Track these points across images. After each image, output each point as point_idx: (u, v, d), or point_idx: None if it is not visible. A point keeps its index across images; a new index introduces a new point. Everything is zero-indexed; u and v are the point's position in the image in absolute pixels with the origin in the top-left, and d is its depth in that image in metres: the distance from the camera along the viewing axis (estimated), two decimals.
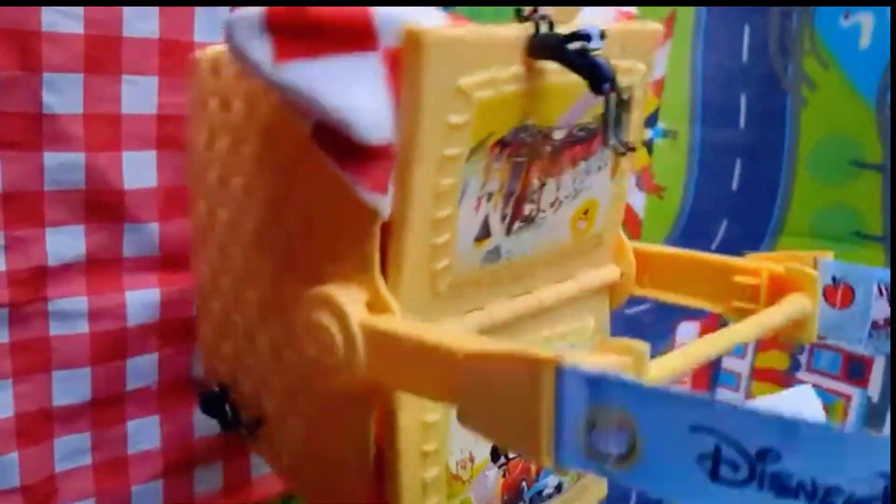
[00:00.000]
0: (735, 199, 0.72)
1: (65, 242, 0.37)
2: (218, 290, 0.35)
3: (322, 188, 0.28)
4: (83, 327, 0.39)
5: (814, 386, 0.71)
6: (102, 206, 0.38)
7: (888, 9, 0.61)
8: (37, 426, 0.39)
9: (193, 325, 0.43)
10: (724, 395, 0.77)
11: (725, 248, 0.74)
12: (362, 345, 0.26)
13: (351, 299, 0.26)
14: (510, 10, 0.29)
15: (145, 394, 0.42)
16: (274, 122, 0.30)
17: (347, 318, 0.26)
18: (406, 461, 0.28)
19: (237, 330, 0.34)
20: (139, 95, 0.37)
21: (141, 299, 0.40)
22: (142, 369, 0.41)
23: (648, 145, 0.68)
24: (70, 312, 0.38)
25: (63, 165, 0.36)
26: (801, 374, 0.72)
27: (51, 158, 0.36)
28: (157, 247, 0.40)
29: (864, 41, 0.62)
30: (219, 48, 0.33)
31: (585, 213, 0.34)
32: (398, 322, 0.26)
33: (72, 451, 0.40)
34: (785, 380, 0.72)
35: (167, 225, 0.40)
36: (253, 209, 0.32)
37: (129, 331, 0.40)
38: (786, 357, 0.72)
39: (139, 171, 0.38)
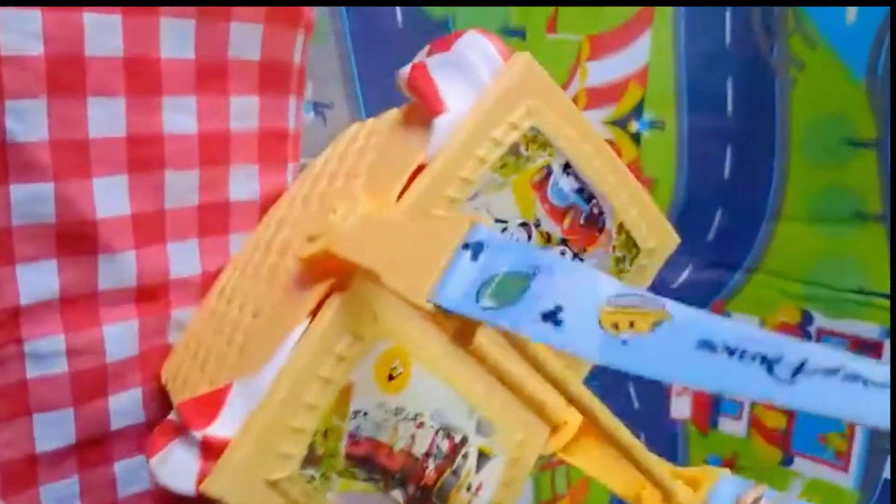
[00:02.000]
0: (728, 187, 0.73)
1: (37, 279, 0.37)
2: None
3: None
4: (62, 367, 0.38)
5: None
6: (75, 238, 0.37)
7: None
8: (21, 474, 0.38)
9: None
10: None
11: (722, 238, 0.74)
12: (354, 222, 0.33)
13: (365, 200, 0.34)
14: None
15: (131, 432, 0.41)
16: None
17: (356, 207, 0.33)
18: None
19: None
20: (106, 117, 0.37)
21: (119, 333, 0.40)
22: (125, 407, 0.41)
23: (636, 137, 0.68)
24: (47, 352, 0.38)
25: (31, 197, 0.35)
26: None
27: (18, 191, 0.35)
28: (133, 276, 0.40)
29: (851, 17, 0.63)
30: None
31: None
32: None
33: (60, 497, 0.40)
34: None
35: (143, 252, 0.40)
36: None
37: (109, 367, 0.40)
38: None
39: (111, 198, 0.38)
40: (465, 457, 0.36)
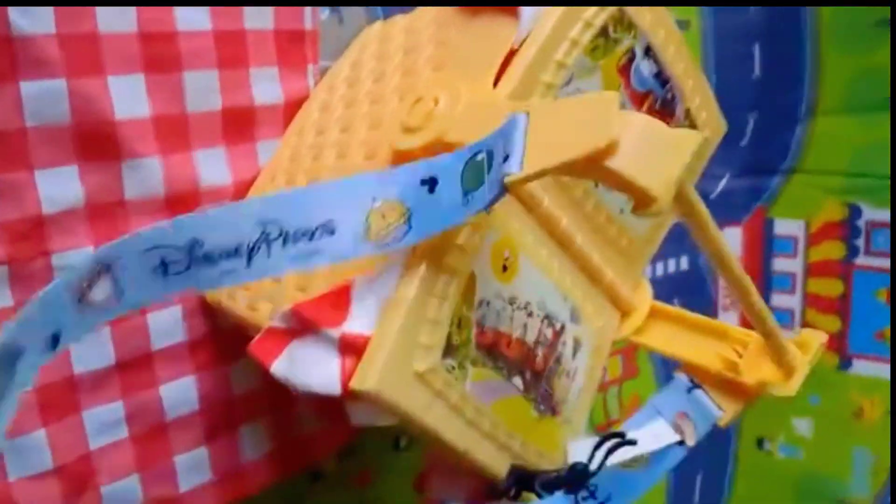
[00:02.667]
0: (760, 87, 0.70)
1: (59, 186, 0.35)
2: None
3: None
4: None
5: (874, 269, 0.68)
6: (94, 140, 0.35)
7: None
8: (61, 397, 0.36)
9: None
10: (777, 299, 0.74)
11: (757, 142, 0.71)
12: (461, 108, 0.31)
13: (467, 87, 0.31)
14: None
15: (174, 352, 0.39)
16: None
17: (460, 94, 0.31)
18: None
19: None
20: (115, 10, 0.35)
21: None
22: (166, 325, 0.39)
23: None
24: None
25: (43, 95, 0.33)
26: (859, 260, 0.69)
27: (29, 88, 0.33)
28: (160, 184, 0.37)
29: None
30: None
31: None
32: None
33: (104, 423, 0.37)
34: (843, 270, 0.70)
35: (169, 159, 0.37)
36: None
37: None
38: (841, 245, 0.70)
39: (129, 97, 0.36)
40: (563, 344, 0.36)
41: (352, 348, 0.28)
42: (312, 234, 0.26)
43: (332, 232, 0.26)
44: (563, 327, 0.36)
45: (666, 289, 0.70)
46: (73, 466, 0.36)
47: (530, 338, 0.34)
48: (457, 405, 0.30)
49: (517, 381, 0.33)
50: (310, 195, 0.27)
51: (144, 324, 0.38)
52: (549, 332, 0.35)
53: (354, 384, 0.27)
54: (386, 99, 0.37)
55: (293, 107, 0.42)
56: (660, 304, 0.42)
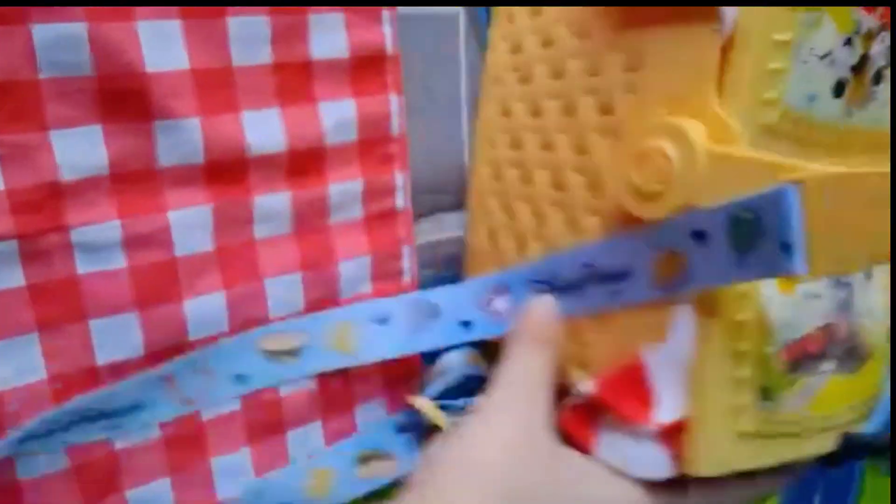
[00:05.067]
0: None
1: (78, 149, 0.30)
2: (497, 187, 0.39)
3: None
4: (119, 261, 0.32)
5: None
6: (121, 96, 0.31)
7: None
8: (80, 390, 0.32)
9: (255, 252, 0.36)
10: None
11: None
12: (703, 166, 0.27)
13: (694, 129, 0.27)
14: None
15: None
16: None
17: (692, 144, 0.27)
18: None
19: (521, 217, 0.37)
20: None
21: (188, 220, 0.33)
22: (206, 316, 0.34)
23: None
24: (100, 243, 0.32)
25: (60, 40, 0.29)
26: None
27: (42, 32, 0.29)
28: (200, 150, 0.33)
29: None
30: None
31: None
32: (743, 149, 0.27)
33: None
34: None
35: (210, 121, 0.33)
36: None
37: (180, 262, 0.33)
38: None
39: (162, 45, 0.31)
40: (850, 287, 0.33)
41: (671, 435, 0.29)
42: (617, 276, 0.31)
43: (628, 276, 0.30)
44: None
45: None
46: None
47: (826, 318, 0.31)
48: (782, 431, 0.30)
49: (827, 366, 0.32)
50: (611, 245, 0.31)
51: (180, 312, 0.34)
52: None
53: (691, 470, 0.29)
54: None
55: (362, 63, 0.37)
56: None
